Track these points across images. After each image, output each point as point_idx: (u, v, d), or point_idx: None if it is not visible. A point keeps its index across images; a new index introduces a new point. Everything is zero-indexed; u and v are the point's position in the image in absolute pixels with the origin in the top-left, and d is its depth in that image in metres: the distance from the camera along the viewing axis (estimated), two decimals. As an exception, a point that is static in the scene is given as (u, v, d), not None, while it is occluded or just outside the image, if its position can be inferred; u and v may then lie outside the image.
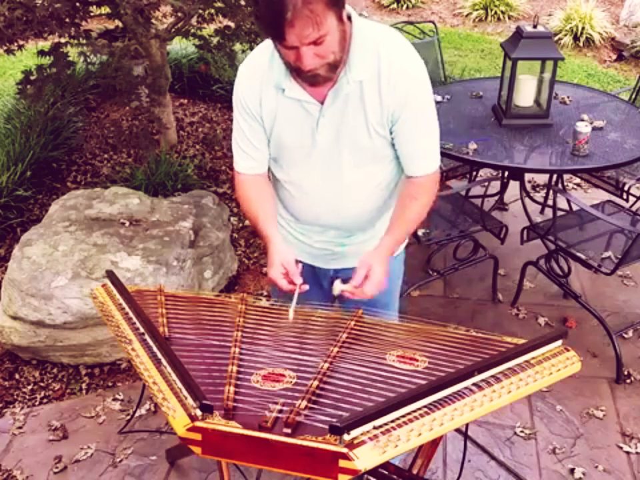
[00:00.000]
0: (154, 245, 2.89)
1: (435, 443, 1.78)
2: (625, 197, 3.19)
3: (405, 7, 6.80)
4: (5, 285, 2.84)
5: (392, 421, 1.24)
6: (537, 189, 3.97)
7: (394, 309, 2.03)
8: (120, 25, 3.57)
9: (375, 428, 1.22)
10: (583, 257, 2.75)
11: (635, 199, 3.19)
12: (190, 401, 1.31)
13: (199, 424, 1.26)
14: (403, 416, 1.26)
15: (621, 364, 2.69)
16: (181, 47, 4.85)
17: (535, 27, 2.89)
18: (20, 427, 2.54)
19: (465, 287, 3.22)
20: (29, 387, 2.72)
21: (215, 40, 3.64)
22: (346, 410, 1.29)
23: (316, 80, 1.54)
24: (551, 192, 3.46)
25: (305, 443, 1.20)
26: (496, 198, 3.57)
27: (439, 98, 3.17)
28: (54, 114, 4.04)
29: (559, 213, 3.08)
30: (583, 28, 5.88)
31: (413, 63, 1.63)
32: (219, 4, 3.38)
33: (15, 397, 2.69)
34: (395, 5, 6.78)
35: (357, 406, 1.31)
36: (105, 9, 3.57)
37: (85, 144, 4.20)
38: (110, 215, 3.07)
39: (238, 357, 1.51)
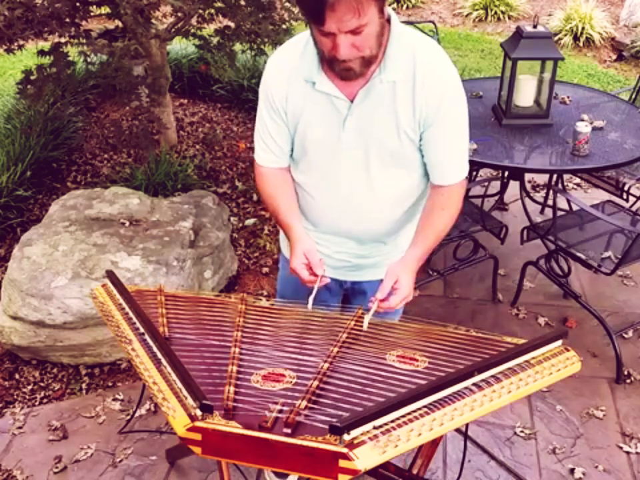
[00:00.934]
0: (154, 244, 2.89)
1: (435, 443, 1.78)
2: (625, 196, 3.19)
3: (405, 6, 6.80)
4: (5, 284, 2.84)
5: (392, 421, 1.24)
6: (537, 189, 3.97)
7: (399, 314, 2.03)
8: (120, 24, 3.57)
9: (375, 428, 1.22)
10: (583, 256, 2.75)
11: (635, 199, 3.19)
12: (190, 401, 1.31)
13: (198, 424, 1.26)
14: (403, 416, 1.26)
15: (621, 364, 2.69)
16: (180, 47, 4.85)
17: (535, 27, 2.89)
18: (20, 427, 2.54)
19: (465, 287, 3.22)
20: (29, 387, 2.72)
21: (214, 40, 3.64)
22: (346, 410, 1.29)
23: (348, 74, 1.52)
24: (551, 192, 3.46)
25: (304, 442, 1.20)
26: (496, 198, 3.57)
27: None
28: (54, 114, 4.04)
29: (559, 213, 3.08)
30: (583, 28, 5.88)
31: (448, 71, 1.62)
32: (218, 4, 3.38)
33: (15, 397, 2.69)
34: (395, 5, 6.78)
35: (357, 406, 1.31)
36: (105, 9, 3.57)
37: (85, 144, 4.20)
38: (110, 214, 3.07)
39: (238, 356, 1.51)
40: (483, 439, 2.45)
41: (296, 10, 3.44)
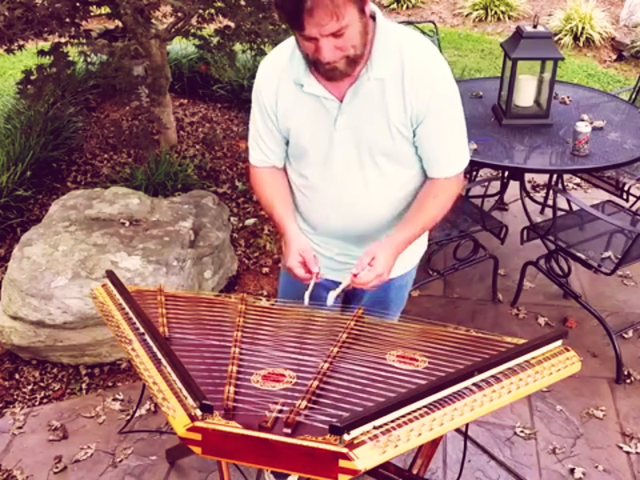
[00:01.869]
0: (154, 244, 2.89)
1: (434, 443, 1.78)
2: (625, 196, 3.19)
3: (404, 6, 6.80)
4: (5, 284, 2.84)
5: (392, 421, 1.24)
6: (537, 189, 3.97)
7: (398, 312, 2.02)
8: (120, 24, 3.57)
9: (375, 428, 1.22)
10: (583, 256, 2.75)
11: (635, 199, 3.19)
12: (190, 401, 1.31)
13: (198, 424, 1.26)
14: (403, 416, 1.26)
15: (621, 364, 2.69)
16: (180, 47, 4.85)
17: (535, 27, 2.89)
18: (20, 427, 2.54)
19: (465, 287, 3.22)
20: (29, 387, 2.72)
21: (215, 40, 3.64)
22: (346, 410, 1.29)
23: (334, 74, 1.53)
24: (551, 192, 3.46)
25: (304, 442, 1.20)
26: (496, 198, 3.57)
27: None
28: (54, 114, 4.04)
29: (559, 213, 3.08)
30: (583, 28, 5.88)
31: (437, 64, 1.61)
32: (219, 4, 3.38)
33: (15, 397, 2.69)
34: (395, 5, 6.78)
35: (357, 406, 1.31)
36: (105, 9, 3.57)
37: (85, 144, 4.20)
38: (110, 214, 3.07)
39: (238, 356, 1.51)
40: (483, 439, 2.45)
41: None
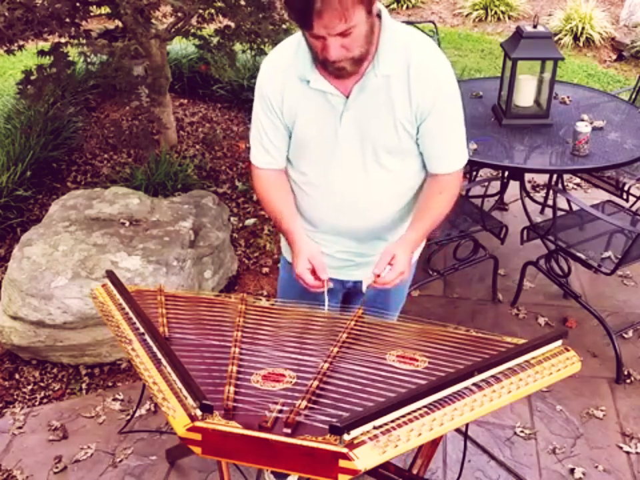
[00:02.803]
0: (154, 244, 2.89)
1: (434, 443, 1.78)
2: (625, 196, 3.19)
3: (405, 6, 6.80)
4: (5, 284, 2.84)
5: (392, 421, 1.24)
6: (537, 189, 3.97)
7: (398, 311, 2.03)
8: (120, 24, 3.57)
9: (375, 428, 1.22)
10: (583, 256, 2.75)
11: (635, 199, 3.19)
12: (190, 401, 1.31)
13: (198, 424, 1.26)
14: (403, 416, 1.26)
15: (621, 364, 2.69)
16: (181, 47, 4.85)
17: (535, 26, 2.89)
18: (20, 427, 2.54)
19: (465, 287, 3.22)
20: (29, 387, 2.72)
21: (215, 40, 3.64)
22: (346, 410, 1.29)
23: (340, 73, 1.54)
24: (551, 192, 3.46)
25: (304, 442, 1.20)
26: (496, 198, 3.57)
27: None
28: (54, 114, 4.04)
29: (559, 213, 3.08)
30: (583, 28, 5.88)
31: (442, 64, 1.64)
32: (219, 4, 3.38)
33: (15, 397, 2.69)
34: (394, 5, 6.78)
35: (357, 406, 1.31)
36: (105, 9, 3.57)
37: (85, 144, 4.20)
38: (110, 214, 3.07)
39: (238, 356, 1.51)
40: (483, 439, 2.45)
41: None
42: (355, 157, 1.68)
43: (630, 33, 6.07)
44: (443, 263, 3.23)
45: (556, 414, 2.56)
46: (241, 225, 3.59)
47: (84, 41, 3.11)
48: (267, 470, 2.20)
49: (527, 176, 3.72)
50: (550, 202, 3.45)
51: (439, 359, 1.48)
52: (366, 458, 1.17)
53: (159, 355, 1.49)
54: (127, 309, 1.71)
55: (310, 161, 1.73)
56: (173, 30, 3.58)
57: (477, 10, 6.60)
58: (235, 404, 1.33)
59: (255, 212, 3.67)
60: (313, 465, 1.20)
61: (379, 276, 1.65)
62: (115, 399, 2.64)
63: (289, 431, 1.25)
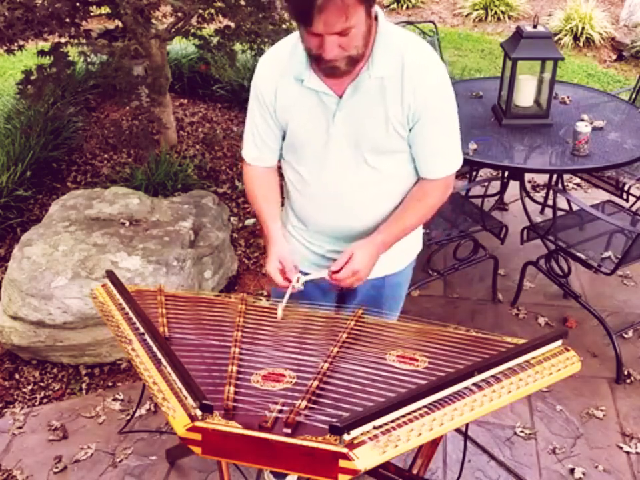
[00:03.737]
0: (154, 244, 2.89)
1: (434, 443, 1.78)
2: (625, 196, 3.19)
3: (405, 6, 6.80)
4: (5, 284, 2.84)
5: (392, 421, 1.24)
6: (537, 189, 3.97)
7: (397, 312, 2.03)
8: (120, 24, 3.57)
9: (375, 428, 1.22)
10: (583, 257, 2.75)
11: (635, 199, 3.19)
12: (190, 401, 1.31)
13: (198, 424, 1.26)
14: (403, 416, 1.26)
15: (621, 364, 2.69)
16: (181, 47, 4.85)
17: (535, 27, 2.89)
18: (20, 427, 2.54)
19: (465, 287, 3.22)
20: (29, 387, 2.72)
21: (214, 40, 3.64)
22: (346, 410, 1.29)
23: (333, 72, 1.54)
24: (551, 192, 3.46)
25: (305, 442, 1.20)
26: (496, 198, 3.57)
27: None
28: (54, 114, 4.04)
29: (559, 213, 3.08)
30: (583, 28, 5.88)
31: (436, 67, 1.63)
32: (219, 4, 3.38)
33: (15, 397, 2.69)
34: (394, 5, 6.79)
35: (357, 406, 1.31)
36: (105, 9, 3.57)
37: (85, 144, 4.20)
38: (110, 214, 3.07)
39: (238, 356, 1.51)
40: (483, 439, 2.45)
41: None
42: (346, 157, 1.68)
43: (630, 32, 6.07)
44: (443, 262, 3.23)
45: (556, 414, 2.56)
46: (240, 225, 3.59)
47: (84, 41, 3.11)
48: (267, 470, 2.20)
49: (527, 176, 3.72)
50: (550, 202, 3.45)
51: (439, 359, 1.48)
52: (366, 458, 1.17)
53: (159, 355, 1.49)
54: (127, 309, 1.71)
55: (303, 160, 1.74)
56: (173, 30, 3.58)
57: (477, 10, 6.60)
58: (235, 404, 1.33)
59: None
60: (313, 464, 1.20)
61: (335, 272, 1.66)
62: (115, 399, 2.64)
63: (288, 431, 1.25)
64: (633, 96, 3.51)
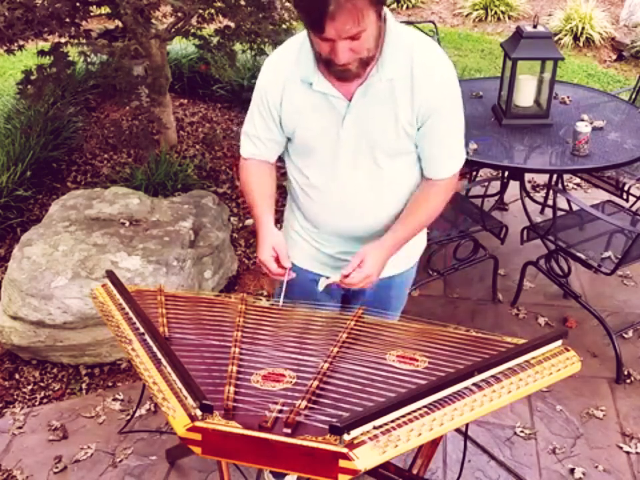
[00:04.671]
0: (154, 244, 2.89)
1: (434, 443, 1.78)
2: (625, 196, 3.19)
3: (405, 6, 6.80)
4: (5, 284, 2.84)
5: (392, 421, 1.24)
6: (537, 189, 3.97)
7: (399, 312, 2.03)
8: (120, 24, 3.57)
9: (375, 428, 1.22)
10: (583, 257, 2.75)
11: (635, 199, 3.19)
12: (190, 401, 1.31)
13: (198, 424, 1.26)
14: (403, 416, 1.26)
15: (620, 364, 2.69)
16: (181, 47, 4.85)
17: (535, 27, 2.89)
18: (20, 427, 2.54)
19: (465, 287, 3.22)
20: (29, 387, 2.72)
21: (214, 40, 3.64)
22: (346, 410, 1.29)
23: (345, 75, 1.54)
24: (551, 192, 3.46)
25: (304, 442, 1.20)
26: (496, 198, 3.57)
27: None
28: (54, 114, 4.04)
29: (559, 213, 3.08)
30: (583, 28, 5.88)
31: (445, 68, 1.63)
32: (219, 4, 3.38)
33: (15, 397, 2.69)
34: (395, 5, 6.78)
35: (357, 406, 1.31)
36: (105, 9, 3.57)
37: (85, 144, 4.20)
38: (110, 214, 3.07)
39: (238, 356, 1.51)
40: (483, 439, 2.45)
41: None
42: (356, 160, 1.67)
43: (630, 32, 6.07)
44: (443, 263, 3.23)
45: (556, 414, 2.56)
46: (240, 224, 3.59)
47: (84, 41, 3.11)
48: (267, 470, 2.20)
49: (527, 176, 3.72)
50: (550, 202, 3.45)
51: (439, 359, 1.48)
52: (366, 458, 1.17)
53: (159, 355, 1.49)
54: (127, 309, 1.71)
55: (312, 163, 1.73)
56: (173, 30, 3.58)
57: (476, 10, 6.60)
58: (235, 404, 1.33)
59: (255, 212, 3.66)
60: (313, 464, 1.20)
61: (346, 276, 1.66)
62: (115, 399, 2.64)
63: (288, 431, 1.25)
64: (633, 96, 3.51)
